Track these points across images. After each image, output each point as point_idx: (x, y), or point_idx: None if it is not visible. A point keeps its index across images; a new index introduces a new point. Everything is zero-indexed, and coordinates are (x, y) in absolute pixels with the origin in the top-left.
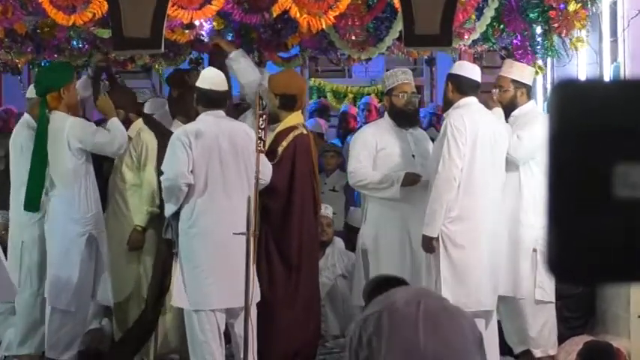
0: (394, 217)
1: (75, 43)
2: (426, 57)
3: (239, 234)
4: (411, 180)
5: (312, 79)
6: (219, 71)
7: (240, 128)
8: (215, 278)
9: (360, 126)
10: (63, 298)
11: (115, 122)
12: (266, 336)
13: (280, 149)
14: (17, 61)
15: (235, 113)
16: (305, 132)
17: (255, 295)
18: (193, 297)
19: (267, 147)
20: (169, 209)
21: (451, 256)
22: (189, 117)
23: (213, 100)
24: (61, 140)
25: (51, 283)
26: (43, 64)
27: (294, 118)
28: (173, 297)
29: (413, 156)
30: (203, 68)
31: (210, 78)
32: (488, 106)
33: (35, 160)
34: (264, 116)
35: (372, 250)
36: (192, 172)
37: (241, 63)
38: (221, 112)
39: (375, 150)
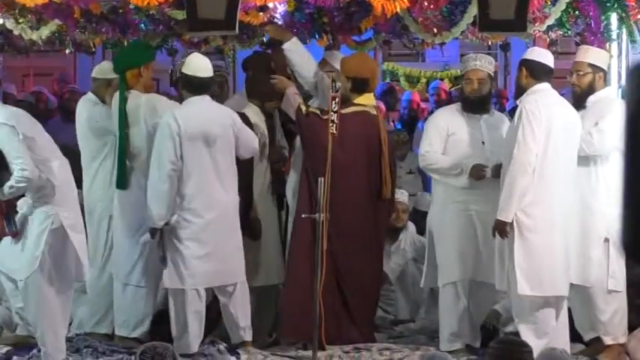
0: (460, 201)
1: (143, 25)
2: (500, 42)
3: (308, 217)
4: (478, 174)
5: (386, 62)
6: (204, 57)
7: (226, 112)
8: (203, 259)
9: (432, 111)
10: (135, 274)
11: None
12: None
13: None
14: (91, 41)
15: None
16: (373, 112)
17: (240, 274)
18: (182, 276)
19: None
20: (157, 212)
21: (526, 242)
22: (261, 99)
23: (198, 86)
24: (137, 118)
25: (121, 259)
26: (124, 43)
27: (364, 100)
28: (163, 278)
29: (483, 143)
30: None
31: (195, 64)
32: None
33: (120, 138)
34: (336, 99)
35: (437, 232)
36: (181, 157)
37: (296, 57)
38: (208, 97)
39: (446, 134)
